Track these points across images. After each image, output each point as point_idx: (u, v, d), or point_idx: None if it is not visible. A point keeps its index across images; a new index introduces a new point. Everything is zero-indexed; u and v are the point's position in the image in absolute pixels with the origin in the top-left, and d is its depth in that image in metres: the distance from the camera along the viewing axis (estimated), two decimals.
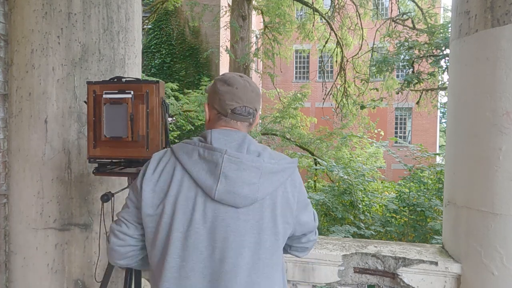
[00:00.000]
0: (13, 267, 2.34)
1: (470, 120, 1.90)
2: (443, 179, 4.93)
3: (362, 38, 10.33)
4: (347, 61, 10.75)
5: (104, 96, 1.73)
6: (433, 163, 7.57)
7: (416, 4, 9.67)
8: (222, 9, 11.18)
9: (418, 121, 19.69)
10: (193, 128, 10.15)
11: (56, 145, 2.25)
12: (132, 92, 1.71)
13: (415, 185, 6.66)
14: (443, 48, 7.81)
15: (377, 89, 10.06)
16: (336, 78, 10.96)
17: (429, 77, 8.74)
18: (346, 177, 7.44)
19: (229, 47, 10.29)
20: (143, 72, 11.87)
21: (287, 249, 1.41)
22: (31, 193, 2.26)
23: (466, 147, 1.92)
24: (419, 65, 8.88)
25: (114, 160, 1.82)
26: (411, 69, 8.92)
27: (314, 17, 10.83)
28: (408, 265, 1.99)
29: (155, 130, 1.73)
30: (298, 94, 12.05)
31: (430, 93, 10.02)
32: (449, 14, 10.30)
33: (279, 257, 1.27)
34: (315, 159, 10.41)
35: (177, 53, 14.44)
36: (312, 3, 10.61)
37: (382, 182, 9.05)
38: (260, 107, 2.21)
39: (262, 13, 11.62)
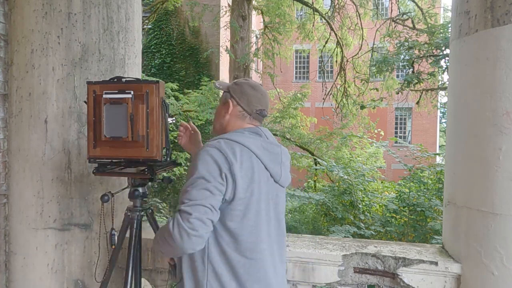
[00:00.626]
0: (13, 267, 2.34)
1: (470, 120, 1.89)
2: (443, 179, 4.93)
3: (362, 38, 10.32)
4: (347, 61, 10.74)
5: (104, 96, 1.73)
6: (433, 163, 7.57)
7: (416, 4, 9.67)
8: (222, 9, 11.15)
9: (418, 121, 19.68)
10: None
11: (56, 145, 2.25)
12: (132, 92, 1.71)
13: (415, 185, 6.66)
14: (443, 48, 7.80)
15: (377, 89, 10.06)
16: (336, 78, 10.95)
17: (429, 77, 8.74)
18: (346, 177, 7.44)
19: (229, 47, 10.25)
20: (143, 72, 11.83)
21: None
22: (31, 193, 2.26)
23: (466, 147, 1.92)
24: (419, 65, 8.88)
25: (114, 160, 1.82)
26: (411, 69, 8.92)
27: (314, 17, 10.82)
28: (408, 265, 1.99)
29: (155, 130, 1.73)
30: (298, 94, 12.04)
31: (430, 93, 10.02)
32: (449, 14, 10.30)
33: None
34: (315, 159, 10.42)
35: (177, 53, 14.42)
36: (312, 3, 10.60)
37: (382, 182, 9.03)
38: None
39: (262, 13, 11.59)
